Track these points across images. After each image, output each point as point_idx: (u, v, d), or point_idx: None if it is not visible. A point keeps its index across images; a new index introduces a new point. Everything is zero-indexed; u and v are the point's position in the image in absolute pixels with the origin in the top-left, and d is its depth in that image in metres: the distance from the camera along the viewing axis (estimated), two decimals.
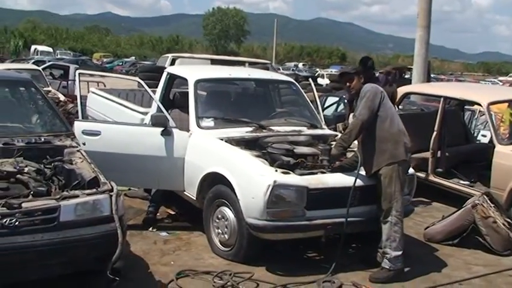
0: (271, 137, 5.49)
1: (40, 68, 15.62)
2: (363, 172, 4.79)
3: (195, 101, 5.70)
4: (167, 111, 6.01)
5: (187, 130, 5.55)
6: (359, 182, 4.69)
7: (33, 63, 21.86)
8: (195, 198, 5.39)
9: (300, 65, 63.36)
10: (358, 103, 4.72)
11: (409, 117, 7.26)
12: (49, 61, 22.33)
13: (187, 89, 5.87)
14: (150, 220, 5.91)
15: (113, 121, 5.99)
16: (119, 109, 7.09)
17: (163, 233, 5.65)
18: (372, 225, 4.86)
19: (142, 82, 5.82)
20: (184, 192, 5.60)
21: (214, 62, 17.31)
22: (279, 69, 40.58)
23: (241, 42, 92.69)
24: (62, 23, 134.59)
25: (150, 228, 5.75)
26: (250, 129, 5.59)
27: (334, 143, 5.71)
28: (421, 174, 7.10)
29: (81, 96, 5.60)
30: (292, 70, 44.17)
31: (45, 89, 13.86)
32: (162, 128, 5.44)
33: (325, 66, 65.58)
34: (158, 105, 5.65)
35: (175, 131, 5.50)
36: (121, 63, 51.23)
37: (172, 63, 17.07)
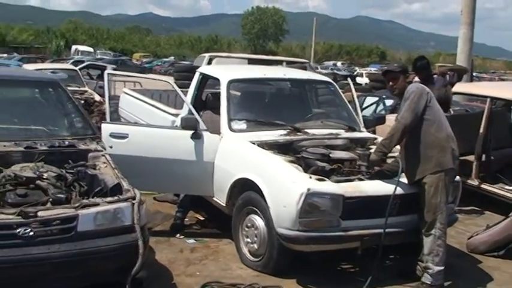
0: (306, 141, 5.19)
1: (77, 68, 15.68)
2: (404, 179, 4.45)
3: (227, 102, 5.44)
4: (199, 113, 5.80)
5: (219, 133, 5.30)
6: (399, 190, 4.35)
7: (72, 63, 22.08)
8: (224, 205, 5.13)
9: (339, 63, 62.65)
10: (402, 104, 4.37)
11: (452, 118, 6.83)
12: (88, 61, 22.47)
13: (220, 89, 5.62)
14: (177, 226, 5.68)
15: (141, 123, 5.77)
16: (150, 110, 6.90)
17: (191, 240, 5.41)
18: (412, 236, 4.51)
19: (172, 82, 5.59)
20: (214, 198, 5.35)
21: (251, 61, 17.17)
22: (317, 68, 40.17)
23: (280, 41, 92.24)
24: (103, 24, 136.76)
25: (178, 235, 5.52)
26: (284, 132, 5.30)
27: (373, 147, 5.40)
28: (465, 180, 6.67)
29: (109, 98, 5.41)
30: (331, 69, 43.66)
31: (81, 89, 13.99)
32: (192, 131, 5.20)
33: (364, 65, 64.62)
34: (189, 107, 5.41)
35: (206, 134, 5.26)
36: (160, 63, 51.54)
37: (209, 62, 16.96)
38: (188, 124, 5.17)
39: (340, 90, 6.16)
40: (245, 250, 4.82)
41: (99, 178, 4.07)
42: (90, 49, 57.44)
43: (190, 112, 5.39)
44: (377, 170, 4.57)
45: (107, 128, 5.26)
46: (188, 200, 5.77)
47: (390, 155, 4.59)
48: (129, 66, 46.86)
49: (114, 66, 19.69)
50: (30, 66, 15.24)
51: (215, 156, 5.21)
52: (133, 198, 3.76)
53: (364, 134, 5.75)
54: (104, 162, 4.31)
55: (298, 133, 5.32)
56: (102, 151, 4.51)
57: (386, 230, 4.31)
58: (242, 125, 5.38)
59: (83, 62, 23.35)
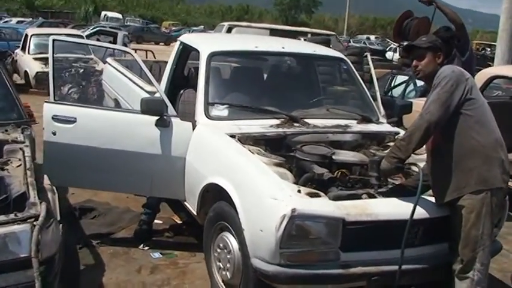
0: (304, 135, 3.97)
1: (83, 34, 14.61)
2: (430, 198, 3.22)
3: (205, 81, 4.24)
4: (177, 92, 4.63)
5: (193, 120, 4.13)
6: (421, 213, 3.12)
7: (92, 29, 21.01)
8: (195, 214, 3.97)
9: (372, 37, 60.36)
10: (430, 93, 3.10)
11: (493, 106, 5.48)
12: (101, 26, 21.35)
13: (199, 64, 4.41)
14: (142, 233, 4.56)
15: (91, 105, 4.56)
16: (128, 86, 5.73)
17: (156, 254, 4.29)
18: (438, 275, 3.29)
19: (133, 53, 4.41)
20: (185, 203, 4.20)
21: (273, 32, 15.83)
22: (349, 41, 38.39)
23: (313, 13, 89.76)
24: None
25: (141, 246, 4.39)
26: (277, 122, 4.08)
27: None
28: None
29: (54, 69, 4.26)
30: (364, 43, 41.81)
31: (86, 56, 12.95)
32: (157, 117, 4.03)
33: None
34: (154, 84, 4.22)
35: (175, 121, 4.08)
36: (188, 31, 50.47)
37: (229, 32, 15.73)
38: (150, 107, 3.99)
39: (354, 70, 4.86)
40: (217, 277, 3.66)
41: (5, 182, 2.95)
42: (119, 15, 56.81)
43: (166, 91, 4.22)
44: (395, 184, 3.34)
45: (49, 109, 4.11)
46: (156, 200, 4.63)
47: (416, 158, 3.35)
48: (154, 33, 46.14)
49: (126, 32, 18.45)
50: (31, 31, 14.24)
51: (187, 149, 4.04)
52: (36, 218, 2.62)
53: (383, 126, 4.49)
54: (20, 159, 3.18)
55: (295, 124, 4.10)
56: (23, 143, 3.37)
57: (403, 267, 3.09)
58: (223, 111, 4.17)
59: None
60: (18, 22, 33.38)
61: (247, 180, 3.31)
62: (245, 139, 3.82)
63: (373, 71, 5.10)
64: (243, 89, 4.48)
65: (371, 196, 3.26)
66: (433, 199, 3.23)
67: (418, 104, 7.15)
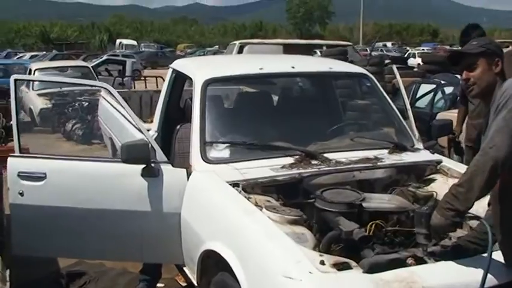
0: (325, 176, 3.18)
1: (89, 65, 14.08)
2: (499, 257, 2.40)
3: (200, 115, 3.49)
4: (172, 128, 3.91)
5: (187, 166, 3.38)
6: (492, 280, 2.30)
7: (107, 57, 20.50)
8: (196, 284, 3.19)
9: (389, 44, 59.40)
10: (492, 118, 2.28)
11: None
12: (110, 56, 20.90)
13: (193, 94, 3.66)
14: None
15: (64, 156, 3.79)
16: (121, 124, 5.01)
17: None
18: None
19: (110, 88, 3.69)
20: (185, 268, 3.43)
21: (287, 47, 15.11)
22: (366, 50, 37.49)
23: (326, 24, 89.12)
24: (151, 16, 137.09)
25: None
26: (290, 160, 3.30)
27: (438, 178, 3.36)
28: None
29: (17, 114, 3.54)
30: (381, 50, 40.89)
31: (93, 88, 12.36)
32: (143, 165, 3.28)
33: (416, 45, 61.18)
34: (137, 125, 3.49)
35: (166, 169, 3.33)
36: (203, 53, 50.16)
37: (240, 51, 15.04)
38: (133, 154, 3.23)
39: (379, 86, 4.05)
40: None
41: None
42: (134, 42, 57.06)
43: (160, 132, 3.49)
44: (453, 242, 2.51)
45: (14, 165, 3.39)
46: (155, 264, 3.87)
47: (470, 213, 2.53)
48: (169, 58, 45.76)
49: (134, 60, 17.91)
50: (36, 65, 13.76)
51: (181, 203, 3.28)
52: None
53: (421, 154, 3.67)
54: None
55: (313, 161, 3.31)
56: None
57: None
58: (223, 151, 3.40)
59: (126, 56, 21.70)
60: (31, 57, 33.31)
61: (253, 248, 2.52)
62: (251, 187, 3.06)
63: (401, 83, 4.29)
64: (247, 121, 3.72)
65: (418, 260, 2.45)
66: (500, 257, 2.40)
67: (451, 117, 6.33)
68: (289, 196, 3.10)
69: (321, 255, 2.37)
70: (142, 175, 3.29)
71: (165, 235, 3.32)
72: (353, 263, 2.34)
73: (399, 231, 2.78)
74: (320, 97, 4.21)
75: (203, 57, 6.87)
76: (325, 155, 3.39)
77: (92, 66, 14.50)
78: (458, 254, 2.46)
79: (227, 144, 3.42)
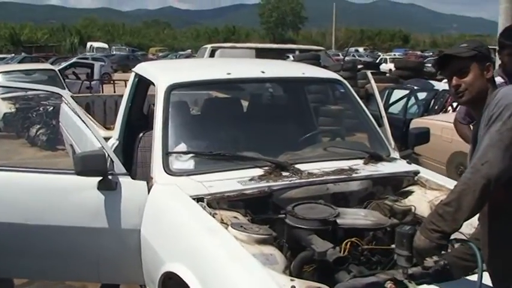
0: (296, 189, 2.96)
1: (55, 68, 13.64)
2: (486, 280, 2.20)
3: (163, 123, 3.24)
4: (135, 136, 3.66)
5: (147, 178, 3.12)
6: None
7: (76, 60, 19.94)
8: None
9: (361, 49, 59.80)
10: (483, 130, 2.08)
11: None
12: (79, 58, 20.41)
13: (156, 101, 3.41)
14: None
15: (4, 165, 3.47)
16: (81, 131, 4.73)
17: None
18: None
19: (63, 93, 3.42)
20: None
21: (259, 52, 14.90)
22: (338, 55, 37.55)
23: (299, 29, 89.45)
24: (124, 19, 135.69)
25: None
26: (260, 172, 3.07)
27: (415, 190, 3.17)
28: None
29: None
30: (353, 55, 41.07)
31: (59, 92, 11.94)
32: (99, 178, 3.01)
33: (388, 50, 61.83)
34: (93, 133, 3.22)
35: (124, 181, 3.07)
36: (175, 57, 49.73)
37: (212, 55, 14.76)
38: (88, 166, 2.95)
39: (353, 92, 3.85)
40: None
41: None
42: (105, 45, 56.34)
43: (107, 143, 3.19)
44: (435, 262, 2.29)
45: None
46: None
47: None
48: (140, 61, 45.11)
49: (103, 63, 17.49)
50: (1, 68, 13.28)
51: (141, 219, 3.01)
52: None
53: (397, 164, 3.47)
54: None
55: (284, 172, 3.09)
56: None
57: None
58: (187, 162, 3.16)
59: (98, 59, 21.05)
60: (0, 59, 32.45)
61: (216, 272, 2.27)
62: (217, 202, 2.82)
63: (375, 89, 4.08)
64: (214, 129, 3.47)
65: (398, 283, 2.23)
66: (486, 280, 2.20)
67: (425, 123, 6.18)
68: (258, 211, 2.87)
69: (292, 280, 2.13)
70: (98, 188, 3.03)
71: (124, 254, 3.06)
72: None
73: (376, 249, 2.57)
74: (292, 104, 3.99)
75: (168, 61, 6.53)
76: (297, 165, 3.17)
77: (59, 70, 14.06)
78: (442, 276, 2.26)
79: (191, 155, 3.17)
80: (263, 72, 3.65)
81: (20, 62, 27.67)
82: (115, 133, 3.99)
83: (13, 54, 38.87)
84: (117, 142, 3.91)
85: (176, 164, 3.12)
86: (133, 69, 4.03)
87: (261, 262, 2.26)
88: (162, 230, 2.82)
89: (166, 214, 2.84)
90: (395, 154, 3.67)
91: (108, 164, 3.03)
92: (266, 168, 3.10)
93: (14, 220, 3.00)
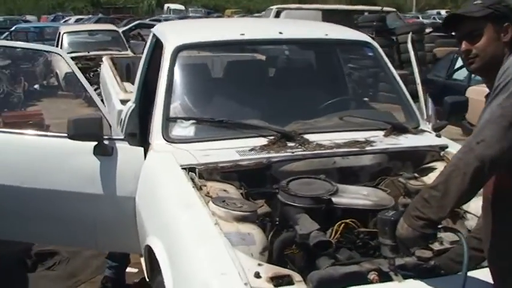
0: (298, 162, 2.71)
1: (118, 29, 13.77)
2: (483, 275, 1.89)
3: (166, 87, 3.06)
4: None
5: (146, 144, 2.97)
6: None
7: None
8: (147, 279, 2.81)
9: (443, 12, 56.94)
10: (487, 103, 1.74)
11: None
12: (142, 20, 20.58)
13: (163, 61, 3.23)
14: None
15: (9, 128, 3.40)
16: (109, 91, 4.66)
17: None
18: None
19: (63, 53, 3.29)
20: (141, 259, 3.05)
21: (326, 13, 14.35)
22: (418, 17, 35.91)
23: None
24: None
25: None
26: (263, 142, 2.84)
27: (438, 167, 2.85)
28: None
29: None
30: (433, 18, 39.16)
31: (121, 53, 12.04)
32: (95, 142, 2.89)
33: None
34: (93, 97, 3.09)
35: (121, 147, 2.94)
36: None
37: (277, 17, 14.40)
38: (82, 130, 2.82)
39: (384, 57, 3.48)
40: None
41: None
42: (182, 7, 56.70)
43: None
44: (430, 255, 1.99)
45: None
46: None
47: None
48: None
49: None
50: (64, 29, 13.53)
51: (137, 187, 2.88)
52: None
53: (424, 137, 3.13)
54: None
55: (290, 143, 2.84)
56: None
57: None
58: (188, 128, 2.97)
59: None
60: (77, 20, 33.41)
61: (183, 251, 2.08)
62: (209, 173, 2.62)
63: (412, 55, 3.68)
64: (221, 95, 3.24)
65: (383, 275, 1.96)
66: (487, 277, 1.89)
67: (481, 91, 5.62)
68: (255, 184, 2.65)
69: (259, 265, 1.92)
70: (94, 153, 2.91)
71: (120, 222, 2.95)
72: (297, 277, 1.88)
73: (375, 233, 2.29)
74: (312, 68, 3.68)
75: (186, 21, 6.09)
76: (306, 136, 2.90)
77: (123, 31, 14.19)
78: (435, 270, 1.97)
79: (193, 121, 2.97)
80: (281, 33, 3.36)
81: (95, 22, 28.37)
82: (132, 96, 3.86)
83: (90, 16, 39.89)
84: (134, 105, 3.77)
85: (176, 130, 2.95)
86: (151, 30, 3.85)
87: (234, 242, 2.06)
88: (149, 201, 2.67)
89: (154, 184, 2.69)
90: (426, 126, 3.31)
91: (103, 128, 2.89)
92: (271, 138, 2.86)
93: (10, 182, 2.95)
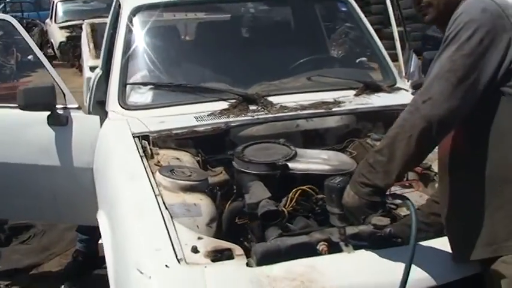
0: (258, 126, 2.55)
1: None
2: (442, 245, 1.75)
3: (123, 50, 2.89)
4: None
5: (104, 113, 2.83)
6: (426, 281, 1.66)
7: None
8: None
9: None
10: (437, 56, 1.55)
11: None
12: None
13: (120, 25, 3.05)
14: (73, 269, 3.36)
15: None
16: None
17: None
18: None
19: (13, 21, 3.12)
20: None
21: None
22: None
23: None
24: None
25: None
26: (224, 106, 2.68)
27: None
28: None
29: None
30: None
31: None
32: (48, 112, 2.75)
33: None
34: (45, 66, 2.93)
35: (76, 116, 2.80)
36: None
37: None
38: (32, 100, 2.68)
39: (358, 12, 3.26)
40: None
41: None
42: None
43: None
44: (386, 223, 1.83)
45: None
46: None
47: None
48: None
49: None
50: None
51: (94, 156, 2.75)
52: None
53: (398, 96, 2.95)
54: None
55: (252, 106, 2.68)
56: None
57: None
58: (145, 94, 2.82)
59: None
60: None
61: (122, 226, 1.95)
62: (163, 141, 2.47)
63: (389, 6, 3.45)
64: (184, 59, 3.07)
65: (333, 246, 1.82)
66: (446, 247, 1.74)
67: None
68: (214, 151, 2.50)
69: (199, 238, 1.78)
70: (48, 124, 2.77)
71: (79, 194, 2.83)
72: (238, 251, 1.74)
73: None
74: (280, 27, 3.47)
75: None
76: (271, 98, 2.74)
77: None
78: (390, 239, 1.82)
79: (151, 87, 2.81)
80: None
81: None
82: (100, 62, 3.70)
83: None
84: (101, 72, 3.63)
85: (133, 97, 2.80)
86: None
87: (177, 214, 1.92)
88: (100, 171, 2.54)
89: (105, 154, 2.54)
90: (404, 84, 3.13)
91: (56, 97, 2.74)
92: (233, 101, 2.70)
93: None
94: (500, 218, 1.53)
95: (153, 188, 2.02)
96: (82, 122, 2.79)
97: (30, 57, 10.58)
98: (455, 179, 1.64)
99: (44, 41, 12.95)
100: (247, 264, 1.69)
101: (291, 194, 2.11)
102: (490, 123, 1.51)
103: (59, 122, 2.77)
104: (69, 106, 2.81)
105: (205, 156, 2.47)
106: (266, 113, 2.62)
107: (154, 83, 2.80)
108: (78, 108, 2.84)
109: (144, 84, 2.81)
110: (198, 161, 2.44)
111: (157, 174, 2.14)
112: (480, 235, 1.56)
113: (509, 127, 1.50)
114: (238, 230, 2.07)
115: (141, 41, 3.00)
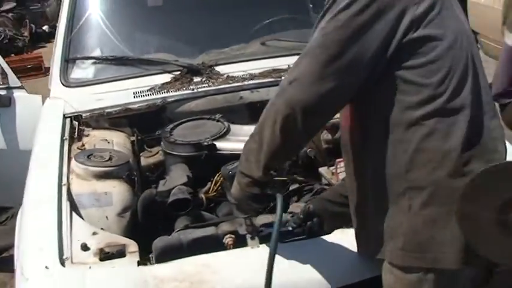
0: (198, 100, 2.37)
1: None
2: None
3: (67, 23, 2.73)
4: None
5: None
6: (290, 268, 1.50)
7: None
8: None
9: None
10: (315, 25, 1.32)
11: None
12: None
13: None
14: None
15: None
16: None
17: None
18: None
19: None
20: None
21: None
22: None
23: None
24: None
25: None
26: (166, 79, 2.51)
27: None
28: None
29: None
30: None
31: None
32: None
33: None
34: None
35: (19, 96, 2.68)
36: None
37: None
38: None
39: None
40: None
41: None
42: None
43: None
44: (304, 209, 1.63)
45: None
46: None
47: None
48: None
49: None
50: None
51: None
52: None
53: None
54: None
55: (196, 78, 2.49)
56: None
57: None
58: (87, 70, 2.65)
59: None
60: None
61: (22, 220, 1.83)
62: (96, 121, 2.33)
63: None
64: (130, 29, 2.85)
65: (240, 239, 1.64)
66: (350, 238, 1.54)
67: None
68: (152, 130, 2.34)
69: (94, 234, 1.64)
70: None
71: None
72: (132, 247, 1.60)
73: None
74: None
75: None
76: (219, 68, 2.54)
77: None
78: (307, 232, 1.63)
79: (93, 61, 2.65)
80: None
81: None
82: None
83: None
84: None
85: (75, 72, 2.64)
86: None
87: (84, 204, 1.80)
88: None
89: (35, 138, 2.41)
90: None
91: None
92: (177, 73, 2.52)
93: None
94: (388, 217, 1.31)
95: (60, 176, 1.88)
96: (25, 102, 2.68)
97: (45, 27, 10.51)
98: (351, 169, 1.42)
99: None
100: (140, 263, 1.55)
101: (216, 177, 1.94)
102: (380, 112, 1.26)
103: (2, 103, 2.65)
104: (12, 85, 2.69)
105: (141, 136, 2.32)
106: (209, 86, 2.43)
107: (94, 57, 2.64)
108: (21, 87, 2.71)
109: (85, 58, 2.64)
110: (132, 141, 2.29)
111: (73, 161, 2.01)
112: (373, 233, 1.35)
113: (399, 118, 1.24)
114: (155, 220, 1.91)
115: (86, 12, 2.81)
